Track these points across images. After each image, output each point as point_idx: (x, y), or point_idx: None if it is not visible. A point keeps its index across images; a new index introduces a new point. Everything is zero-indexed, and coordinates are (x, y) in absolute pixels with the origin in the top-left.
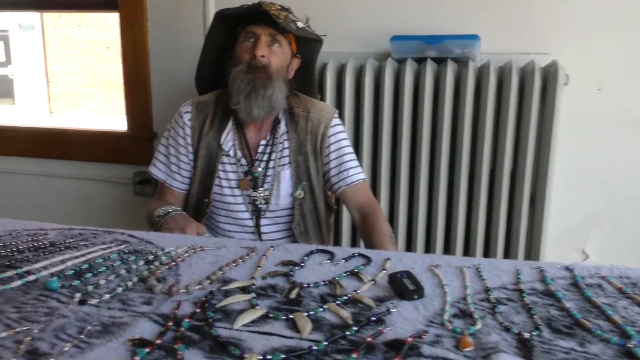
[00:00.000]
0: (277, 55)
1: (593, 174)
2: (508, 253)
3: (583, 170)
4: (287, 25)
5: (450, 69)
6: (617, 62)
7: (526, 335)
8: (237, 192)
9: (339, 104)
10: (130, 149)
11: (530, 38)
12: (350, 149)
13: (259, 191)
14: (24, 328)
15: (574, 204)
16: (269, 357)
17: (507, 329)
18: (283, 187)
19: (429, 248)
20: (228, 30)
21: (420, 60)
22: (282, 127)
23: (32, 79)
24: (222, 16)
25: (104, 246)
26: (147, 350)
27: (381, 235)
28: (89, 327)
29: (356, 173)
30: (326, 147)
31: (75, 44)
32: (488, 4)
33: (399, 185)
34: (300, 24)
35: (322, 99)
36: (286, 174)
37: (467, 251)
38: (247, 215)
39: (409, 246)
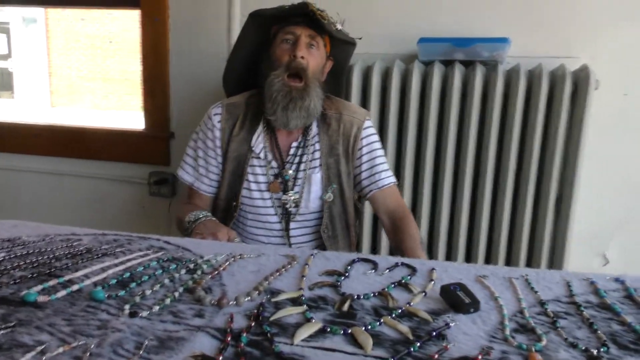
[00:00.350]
0: (315, 57)
1: (617, 178)
2: (531, 257)
3: (607, 175)
4: (330, 27)
5: (479, 72)
6: None
7: (595, 352)
8: (266, 195)
9: (365, 105)
10: (146, 148)
11: (559, 41)
12: (382, 152)
13: (290, 194)
14: (80, 343)
15: (598, 208)
16: None
17: (574, 346)
18: (313, 190)
19: (450, 251)
20: (261, 31)
21: (448, 63)
22: (314, 129)
23: (33, 72)
24: (258, 16)
25: (141, 253)
26: None
27: (413, 242)
28: (146, 342)
29: (387, 177)
30: (358, 150)
31: (78, 38)
32: (517, 6)
33: (423, 188)
34: (338, 26)
35: (347, 100)
36: (317, 177)
37: (489, 254)
38: (275, 219)
39: (431, 249)
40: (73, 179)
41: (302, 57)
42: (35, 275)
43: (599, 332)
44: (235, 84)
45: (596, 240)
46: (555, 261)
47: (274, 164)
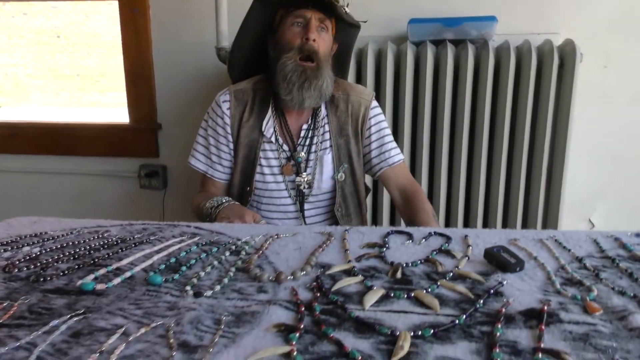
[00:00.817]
0: (325, 41)
1: (600, 148)
2: (526, 224)
3: (591, 145)
4: (340, 10)
5: (470, 50)
6: (622, 40)
7: None
8: (279, 178)
9: None
10: (134, 141)
11: (541, 18)
12: (389, 131)
13: (303, 176)
14: (159, 323)
15: (583, 177)
16: (419, 333)
17: (622, 293)
18: (325, 171)
19: (449, 220)
20: (266, 15)
21: (438, 43)
22: (323, 110)
23: None
24: (265, 0)
25: (177, 239)
26: (297, 334)
27: (427, 216)
28: (224, 317)
29: (397, 154)
30: (367, 129)
31: (22, 34)
32: None
33: (421, 163)
34: (346, 9)
35: None
36: (328, 158)
37: (486, 222)
38: (289, 201)
39: (448, 219)
40: (58, 177)
41: (314, 40)
42: (81, 266)
43: (639, 280)
44: (242, 69)
45: (582, 207)
46: (550, 227)
47: (285, 147)
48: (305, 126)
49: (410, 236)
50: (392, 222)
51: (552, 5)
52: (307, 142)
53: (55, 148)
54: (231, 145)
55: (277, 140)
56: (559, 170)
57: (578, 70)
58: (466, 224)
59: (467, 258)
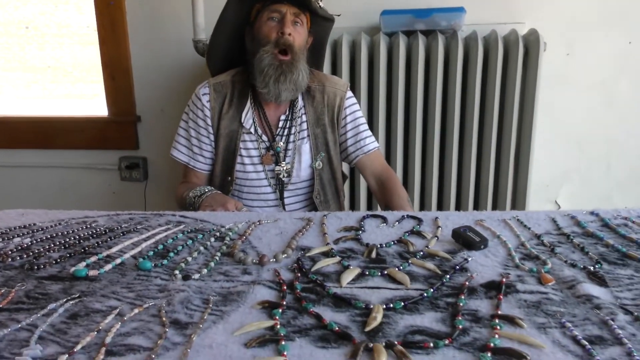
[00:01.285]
0: (300, 34)
1: (564, 132)
2: (495, 206)
3: (556, 129)
4: (315, 5)
5: (440, 41)
6: (583, 28)
7: (592, 268)
8: (259, 168)
9: None
10: (114, 134)
11: (507, 8)
12: (364, 120)
13: (282, 165)
14: (151, 304)
15: (549, 160)
16: (390, 305)
17: (574, 265)
18: (304, 160)
19: (423, 203)
20: (243, 9)
21: (410, 33)
22: (300, 102)
23: None
24: None
25: (163, 228)
26: (280, 310)
27: (400, 200)
28: (212, 297)
29: (372, 142)
30: (342, 119)
31: None
32: None
33: (396, 150)
34: (321, 3)
35: None
36: (306, 147)
37: (459, 205)
38: (269, 189)
39: (422, 203)
40: (39, 170)
41: (289, 34)
42: (72, 254)
43: (590, 254)
44: (220, 62)
45: (548, 189)
46: (518, 208)
47: (264, 137)
48: (283, 117)
49: (384, 219)
50: (369, 207)
51: None
52: (285, 132)
53: (35, 141)
54: (212, 137)
55: (256, 130)
56: (525, 154)
57: (542, 58)
58: (440, 208)
59: (436, 238)
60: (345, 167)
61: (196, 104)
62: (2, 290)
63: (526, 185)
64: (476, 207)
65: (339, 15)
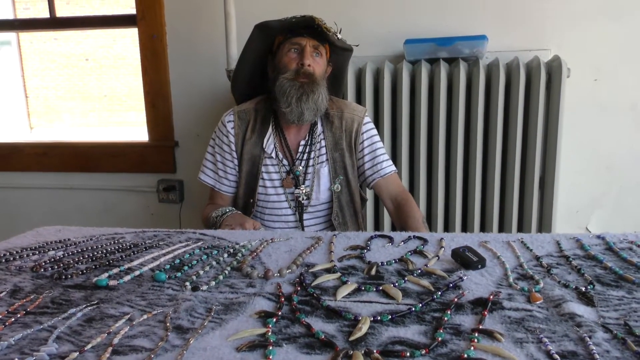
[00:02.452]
0: (319, 65)
1: (593, 158)
2: (521, 231)
3: (586, 156)
4: (333, 38)
5: (462, 68)
6: (610, 53)
7: (583, 289)
8: (280, 190)
9: (359, 104)
10: (153, 158)
11: (530, 35)
12: (381, 144)
13: (301, 188)
14: (159, 311)
15: (579, 187)
16: (378, 318)
17: (566, 285)
18: (322, 183)
19: (447, 229)
20: (265, 41)
21: (433, 61)
22: (319, 127)
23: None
24: (264, 28)
25: (183, 244)
26: (274, 319)
27: (415, 222)
28: (214, 307)
29: (388, 165)
30: (360, 143)
31: (53, 58)
32: (492, 6)
33: (418, 178)
34: (339, 35)
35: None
36: (325, 171)
37: (483, 230)
38: (289, 211)
39: (429, 225)
40: (84, 192)
41: (309, 65)
42: (97, 266)
43: (585, 275)
44: (243, 91)
45: (578, 216)
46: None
47: (285, 161)
48: (303, 142)
49: (391, 239)
50: (393, 229)
51: (543, 22)
52: (305, 157)
53: (82, 166)
54: (236, 161)
55: (277, 155)
56: (550, 180)
57: (565, 84)
58: (464, 232)
59: (437, 258)
60: (368, 193)
61: (222, 130)
62: (32, 296)
63: (552, 212)
64: (501, 232)
65: (357, 46)
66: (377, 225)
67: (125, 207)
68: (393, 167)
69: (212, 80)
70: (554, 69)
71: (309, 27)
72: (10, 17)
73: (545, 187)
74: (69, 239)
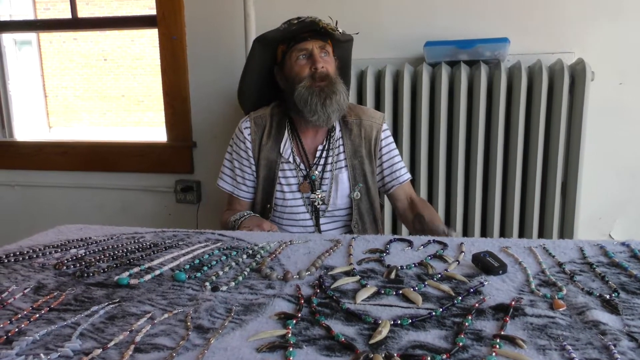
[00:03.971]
0: (330, 63)
1: (619, 163)
2: (542, 237)
3: (610, 161)
4: (337, 35)
5: (484, 71)
6: (636, 55)
7: (607, 296)
8: (297, 195)
9: (378, 106)
10: (171, 158)
11: (554, 38)
12: (397, 151)
13: (317, 192)
14: (180, 310)
15: (602, 193)
16: (398, 322)
17: (590, 293)
18: (341, 189)
19: (466, 233)
20: (268, 52)
21: (453, 64)
22: (337, 132)
23: (28, 94)
24: (266, 40)
25: (202, 244)
26: (294, 321)
27: (432, 212)
28: (234, 307)
29: (405, 172)
30: (379, 150)
31: (72, 58)
32: (514, 7)
33: (438, 182)
34: (340, 30)
35: (361, 103)
36: (344, 176)
37: (503, 236)
38: (307, 215)
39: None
40: (103, 192)
41: (323, 67)
42: (118, 265)
43: (610, 282)
44: (253, 104)
45: (601, 223)
46: None
47: (302, 166)
48: (320, 147)
49: (410, 243)
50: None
51: (566, 25)
52: (322, 162)
53: (101, 165)
54: (253, 167)
55: (294, 160)
56: (572, 185)
57: (589, 88)
58: (483, 236)
59: (457, 262)
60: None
61: (239, 136)
62: (55, 293)
63: (573, 218)
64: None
65: (357, 34)
66: (395, 231)
67: (143, 207)
68: (409, 175)
69: (230, 82)
70: (578, 72)
71: (312, 30)
72: (31, 17)
73: (567, 193)
74: (90, 238)
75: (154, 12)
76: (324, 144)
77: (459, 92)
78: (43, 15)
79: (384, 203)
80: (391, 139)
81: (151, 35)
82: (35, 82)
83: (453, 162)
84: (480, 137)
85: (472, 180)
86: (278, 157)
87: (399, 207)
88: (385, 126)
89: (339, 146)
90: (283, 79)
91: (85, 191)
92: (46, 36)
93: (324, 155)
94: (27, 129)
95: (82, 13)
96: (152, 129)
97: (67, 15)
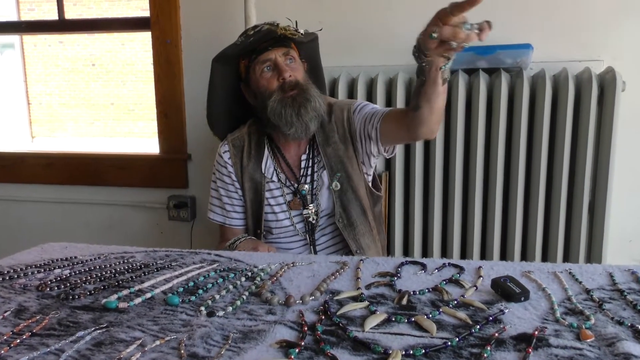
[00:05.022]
0: (298, 69)
1: None
2: (567, 261)
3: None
4: (300, 39)
5: (504, 80)
6: None
7: (639, 327)
8: (289, 213)
9: None
10: (163, 172)
11: (581, 45)
12: (372, 104)
13: (310, 207)
14: (173, 337)
15: (633, 213)
16: (410, 352)
17: (620, 323)
18: (324, 188)
19: (484, 256)
20: (229, 69)
21: (471, 72)
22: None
23: (9, 101)
24: (224, 58)
25: (197, 266)
26: (297, 350)
27: None
28: (232, 334)
29: (383, 107)
30: (355, 123)
31: (58, 62)
32: (537, 11)
33: (453, 197)
34: (301, 30)
35: None
36: (325, 174)
37: (525, 259)
38: (301, 235)
39: (464, 253)
40: (90, 207)
41: (290, 76)
42: (106, 287)
43: None
44: (226, 127)
45: (632, 246)
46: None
47: (288, 182)
48: (304, 156)
49: (423, 266)
50: (425, 240)
51: (594, 30)
52: (309, 172)
53: (88, 178)
54: (239, 192)
55: (278, 178)
56: (601, 204)
57: (619, 99)
58: (503, 259)
59: (475, 288)
60: (398, 194)
61: (219, 162)
62: (37, 317)
63: (602, 240)
64: (544, 261)
65: (320, 30)
66: (406, 232)
67: (133, 224)
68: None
69: None
70: (607, 82)
71: (271, 39)
72: (15, 18)
73: (595, 212)
74: (75, 257)
75: (147, 13)
76: (307, 152)
77: (477, 103)
78: (27, 16)
79: (380, 193)
80: (364, 103)
81: (143, 39)
82: (17, 88)
83: (470, 178)
84: (500, 152)
85: (490, 198)
86: (262, 177)
87: (397, 118)
88: (357, 102)
89: (317, 147)
90: (252, 96)
91: (70, 207)
92: (30, 39)
93: (309, 164)
94: (7, 138)
95: (69, 14)
96: (144, 140)
97: (54, 16)
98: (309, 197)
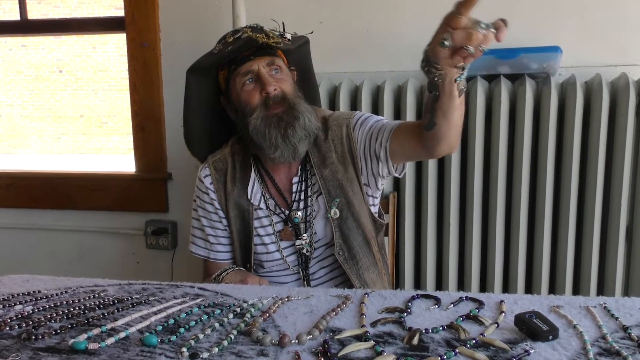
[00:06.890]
0: (285, 80)
1: None
2: (601, 293)
3: None
4: (286, 46)
5: (529, 87)
6: None
7: None
8: (283, 244)
9: None
10: (140, 193)
11: (616, 48)
12: (376, 117)
13: (304, 237)
14: None
15: None
16: None
17: None
18: (319, 215)
19: (507, 289)
20: (208, 81)
21: (491, 78)
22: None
23: None
24: (199, 70)
25: (179, 301)
26: None
27: None
28: None
29: (393, 121)
30: (356, 141)
31: (20, 69)
32: (567, 11)
33: (471, 220)
34: (288, 35)
35: None
36: (320, 200)
37: (553, 291)
38: (294, 264)
39: (484, 285)
40: (56, 234)
41: (275, 89)
42: (74, 325)
43: None
44: (207, 147)
45: None
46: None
47: (278, 209)
48: (295, 179)
49: (437, 301)
50: (439, 269)
51: (631, 31)
52: (302, 197)
53: (54, 201)
54: (224, 221)
55: (267, 205)
56: (639, 230)
57: None
58: (528, 292)
59: (496, 325)
60: (408, 206)
61: (200, 188)
62: None
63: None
64: (575, 294)
65: (311, 33)
66: (418, 261)
67: (105, 254)
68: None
69: None
70: None
71: (259, 46)
72: None
73: (633, 239)
74: (39, 291)
75: (121, 12)
76: (299, 174)
77: (498, 114)
78: None
79: (384, 220)
80: (366, 116)
81: (118, 42)
82: None
83: (491, 199)
84: (525, 169)
85: (514, 222)
86: (249, 204)
87: (410, 133)
88: (356, 115)
89: (310, 168)
90: (232, 110)
91: (34, 233)
92: None
93: (301, 188)
94: None
95: (33, 14)
96: (118, 157)
97: (15, 16)
98: (302, 225)
